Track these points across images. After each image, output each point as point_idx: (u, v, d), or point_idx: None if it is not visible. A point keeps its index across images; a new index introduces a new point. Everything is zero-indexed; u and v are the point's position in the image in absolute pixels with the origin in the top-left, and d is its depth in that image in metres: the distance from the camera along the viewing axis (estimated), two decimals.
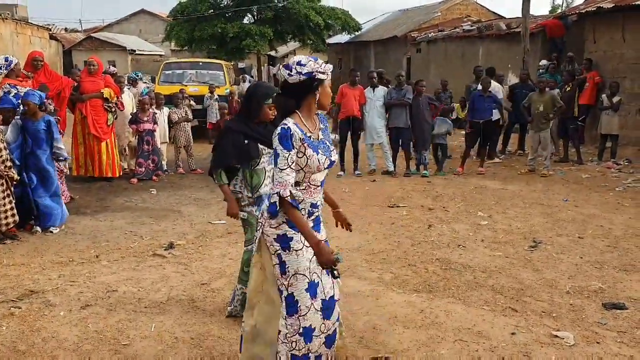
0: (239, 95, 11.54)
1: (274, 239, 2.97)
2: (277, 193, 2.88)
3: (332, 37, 31.51)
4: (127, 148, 10.09)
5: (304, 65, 2.89)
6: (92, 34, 37.82)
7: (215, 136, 13.06)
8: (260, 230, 3.03)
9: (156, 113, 9.84)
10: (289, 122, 2.92)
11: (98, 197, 8.30)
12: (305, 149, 2.90)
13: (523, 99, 10.32)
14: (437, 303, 4.53)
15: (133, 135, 9.79)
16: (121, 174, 9.41)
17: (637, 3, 11.28)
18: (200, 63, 16.81)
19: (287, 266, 2.96)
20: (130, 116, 9.60)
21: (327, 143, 3.06)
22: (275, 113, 4.07)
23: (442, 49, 20.30)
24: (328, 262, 2.88)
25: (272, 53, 36.74)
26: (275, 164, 2.90)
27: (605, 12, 12.30)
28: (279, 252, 2.97)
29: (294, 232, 2.96)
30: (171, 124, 10.44)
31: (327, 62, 3.17)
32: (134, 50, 36.76)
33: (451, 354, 3.71)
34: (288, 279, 2.97)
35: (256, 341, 3.16)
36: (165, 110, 10.40)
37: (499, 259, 5.61)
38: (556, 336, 3.94)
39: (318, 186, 3.06)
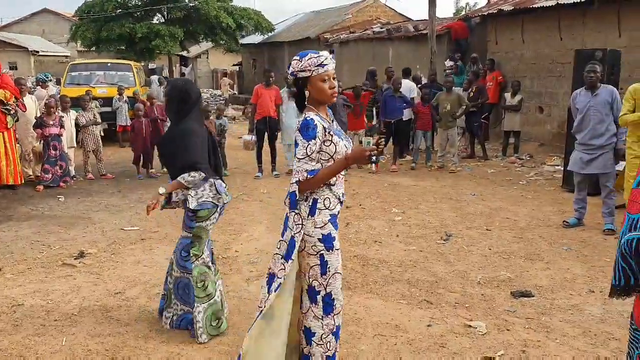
0: (149, 97, 11.22)
1: (319, 239, 2.91)
2: (295, 182, 2.85)
3: (245, 37, 31.32)
4: (31, 153, 9.57)
5: (291, 63, 2.93)
6: None
7: (127, 139, 12.72)
8: (299, 234, 2.89)
9: (63, 116, 9.41)
10: (310, 114, 2.90)
11: (0, 207, 7.82)
12: (331, 137, 2.90)
13: (431, 99, 10.68)
14: (356, 299, 4.60)
15: (37, 139, 9.31)
16: (23, 181, 8.91)
17: (534, 6, 11.96)
18: (109, 64, 16.24)
19: (328, 266, 2.94)
20: (35, 120, 9.12)
21: (342, 132, 3.06)
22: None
23: (354, 50, 20.65)
24: (366, 155, 2.85)
25: (184, 53, 36.04)
26: (295, 154, 2.89)
27: (505, 14, 12.96)
28: (322, 252, 2.92)
29: (335, 231, 2.95)
30: (79, 127, 10.03)
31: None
32: (37, 52, 34.96)
33: (371, 349, 3.77)
34: (327, 279, 2.95)
35: None
36: (72, 113, 9.98)
37: (414, 253, 5.78)
38: (470, 326, 4.10)
39: (343, 175, 3.05)
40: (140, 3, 27.90)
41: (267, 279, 3.02)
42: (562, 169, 8.86)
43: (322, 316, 2.98)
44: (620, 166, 6.76)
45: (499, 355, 3.68)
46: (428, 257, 5.64)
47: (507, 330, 4.05)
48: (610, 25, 10.40)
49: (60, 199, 8.32)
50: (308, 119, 2.87)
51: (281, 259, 2.94)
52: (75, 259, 5.63)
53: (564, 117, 10.10)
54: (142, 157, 10.11)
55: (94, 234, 6.59)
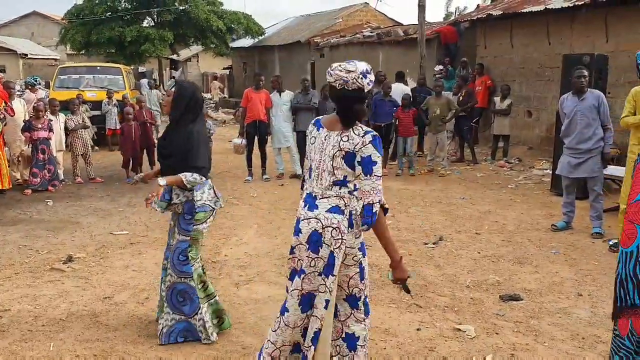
0: (138, 100, 11.21)
1: (358, 248, 2.94)
2: (379, 202, 2.80)
3: (235, 40, 31.32)
4: (19, 157, 9.51)
5: (370, 72, 2.84)
6: None
7: (116, 143, 12.66)
8: (340, 250, 2.85)
9: (51, 120, 9.37)
10: (368, 128, 2.84)
11: None
12: None
13: (421, 103, 10.73)
14: None
15: (26, 143, 9.25)
16: (10, 186, 8.82)
17: (523, 11, 12.04)
18: (98, 67, 16.20)
19: (365, 271, 3.01)
20: (23, 123, 9.06)
21: None
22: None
23: (345, 54, 20.67)
24: (403, 278, 2.98)
25: (174, 57, 35.97)
26: (371, 172, 2.78)
27: (494, 19, 13.03)
28: (360, 260, 2.97)
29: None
30: (68, 131, 9.98)
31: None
32: (26, 54, 34.76)
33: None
34: (365, 283, 3.03)
35: None
36: (61, 116, 9.93)
37: (403, 256, 5.76)
38: (459, 329, 4.12)
39: None
40: (130, 6, 27.84)
41: (300, 298, 2.94)
42: (551, 172, 8.92)
43: (364, 318, 3.06)
44: (608, 170, 6.79)
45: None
46: (417, 261, 5.65)
47: (496, 333, 4.06)
48: (597, 30, 10.49)
49: (48, 203, 8.27)
50: (374, 134, 2.81)
51: (318, 275, 2.89)
52: (63, 263, 5.59)
53: (552, 121, 10.16)
54: (131, 161, 10.07)
55: (83, 238, 6.55)
